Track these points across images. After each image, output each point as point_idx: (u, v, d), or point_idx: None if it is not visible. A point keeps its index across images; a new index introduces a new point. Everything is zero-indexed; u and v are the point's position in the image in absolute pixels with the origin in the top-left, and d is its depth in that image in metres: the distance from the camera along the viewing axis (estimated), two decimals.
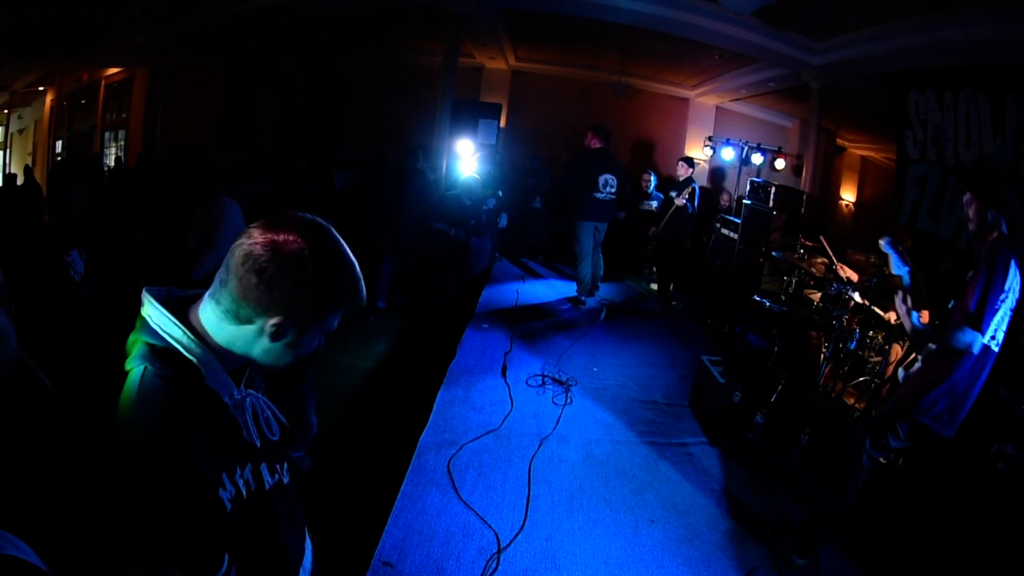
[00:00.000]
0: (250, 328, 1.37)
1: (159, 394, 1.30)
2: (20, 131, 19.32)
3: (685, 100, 14.43)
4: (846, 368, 5.72)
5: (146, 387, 1.30)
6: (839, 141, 14.29)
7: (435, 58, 11.61)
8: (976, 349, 3.30)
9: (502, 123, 12.33)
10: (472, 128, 10.35)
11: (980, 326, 3.22)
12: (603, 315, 7.84)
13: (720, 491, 4.15)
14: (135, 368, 1.33)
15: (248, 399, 1.49)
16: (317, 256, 1.33)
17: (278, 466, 1.61)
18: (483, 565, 3.10)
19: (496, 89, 14.49)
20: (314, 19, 11.45)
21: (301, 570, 1.68)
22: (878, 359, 5.80)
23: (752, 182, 9.43)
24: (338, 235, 1.41)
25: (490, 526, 3.41)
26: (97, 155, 16.65)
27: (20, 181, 14.86)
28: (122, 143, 16.99)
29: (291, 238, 1.32)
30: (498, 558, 3.16)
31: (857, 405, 5.59)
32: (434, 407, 4.62)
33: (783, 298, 6.87)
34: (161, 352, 1.35)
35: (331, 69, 15.62)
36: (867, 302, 5.49)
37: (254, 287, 1.31)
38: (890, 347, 5.72)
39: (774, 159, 12.44)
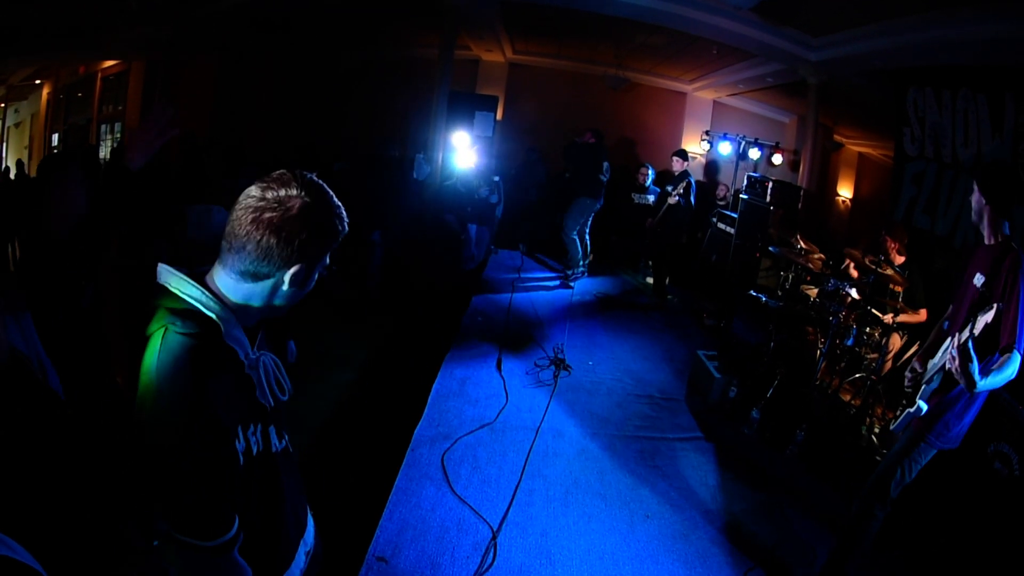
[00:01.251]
0: (269, 282, 1.48)
1: (182, 348, 1.35)
2: (16, 125, 19.27)
3: (682, 94, 14.38)
4: (843, 364, 5.71)
5: (169, 343, 1.36)
6: (836, 137, 14.25)
7: (432, 51, 11.55)
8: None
9: (498, 115, 12.31)
10: (468, 120, 10.34)
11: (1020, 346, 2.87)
12: (596, 305, 7.88)
13: (716, 486, 4.14)
14: (157, 330, 1.39)
15: (262, 359, 1.57)
16: (317, 205, 1.45)
17: (284, 432, 1.69)
18: (478, 560, 3.09)
19: (493, 82, 14.44)
20: (311, 12, 11.41)
21: (302, 543, 1.72)
22: (875, 355, 5.80)
23: (749, 177, 9.41)
24: (322, 182, 1.52)
25: (485, 520, 3.39)
26: (93, 147, 16.62)
27: (13, 175, 14.78)
28: (118, 135, 16.96)
29: (293, 194, 1.43)
30: (493, 553, 3.15)
31: (853, 401, 5.59)
32: (428, 400, 4.60)
33: (779, 293, 6.86)
34: (181, 312, 1.42)
35: (328, 62, 15.58)
36: (864, 303, 5.48)
37: (275, 247, 1.41)
38: (888, 340, 5.72)
39: (771, 154, 12.39)
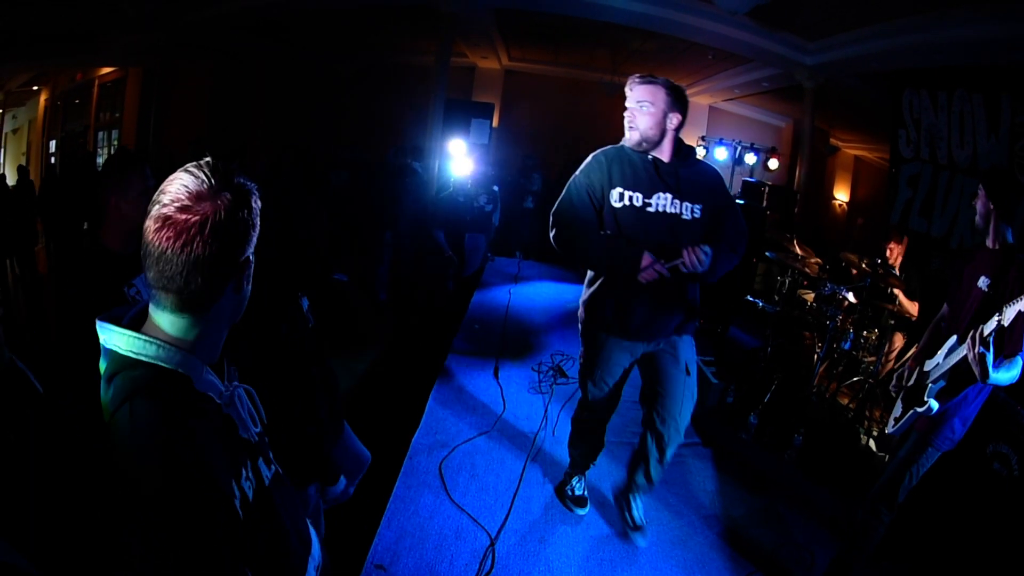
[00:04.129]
0: (214, 307, 1.30)
1: (157, 419, 1.20)
2: (14, 131, 19.23)
3: None
4: (840, 368, 5.73)
5: (140, 418, 1.20)
6: (832, 141, 14.31)
7: (427, 57, 11.59)
8: None
9: (494, 123, 12.34)
10: (464, 127, 10.36)
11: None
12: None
13: (714, 492, 4.14)
14: (121, 408, 1.22)
15: (236, 392, 1.42)
16: (203, 201, 1.22)
17: (271, 455, 1.56)
18: (476, 567, 3.08)
19: (488, 88, 14.49)
20: (307, 18, 11.44)
21: (310, 559, 1.65)
22: (872, 359, 5.81)
23: (745, 182, 9.45)
24: (199, 166, 1.28)
25: (483, 528, 3.39)
26: (91, 155, 16.59)
27: (13, 182, 14.73)
28: (115, 143, 16.92)
29: (177, 206, 1.21)
30: (492, 560, 3.14)
31: (851, 405, 5.59)
32: (426, 408, 4.59)
33: (776, 298, 6.87)
34: (142, 378, 1.25)
35: (323, 69, 15.62)
36: (865, 303, 5.50)
37: (190, 272, 1.21)
38: (891, 337, 5.73)
39: (767, 159, 12.41)
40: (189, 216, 1.20)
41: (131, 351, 1.26)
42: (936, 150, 7.27)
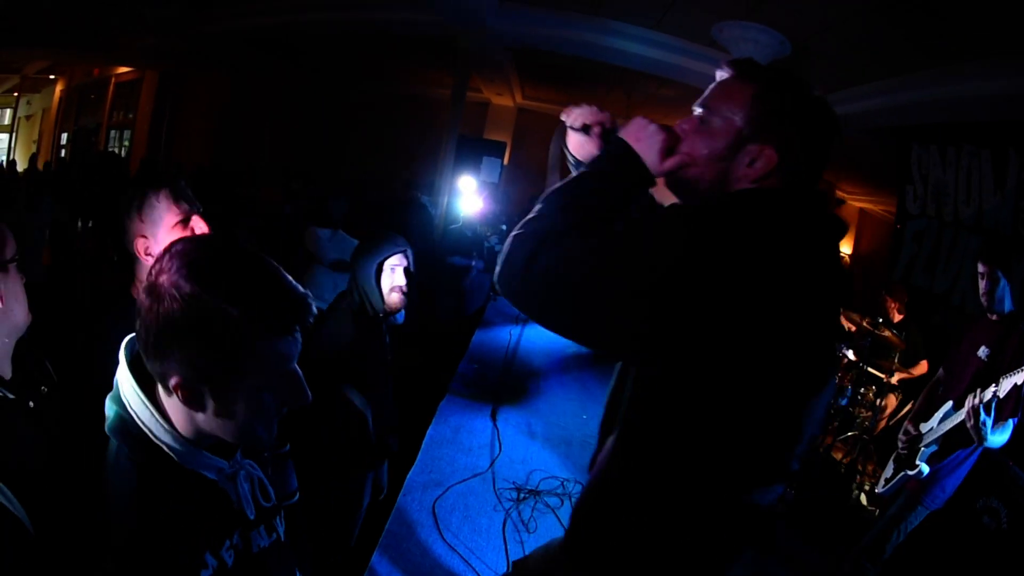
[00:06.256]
0: (175, 397, 1.18)
1: (129, 479, 1.16)
2: (28, 117, 19.30)
3: None
4: (836, 423, 5.74)
5: (117, 469, 1.19)
6: (839, 194, 14.35)
7: (440, 90, 11.66)
8: None
9: (505, 160, 12.45)
10: (475, 164, 10.37)
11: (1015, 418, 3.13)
12: (591, 357, 7.80)
13: None
14: (111, 440, 1.21)
15: (242, 472, 1.34)
16: (188, 278, 1.08)
17: (275, 522, 1.49)
18: None
19: (501, 125, 14.60)
20: (323, 42, 11.57)
21: None
22: (868, 414, 5.83)
23: None
24: (235, 245, 1.18)
25: (474, 570, 3.40)
26: (110, 154, 16.61)
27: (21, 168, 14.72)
28: (127, 144, 16.93)
29: (162, 267, 1.11)
30: None
31: (844, 460, 5.61)
32: (422, 446, 4.60)
33: None
34: (130, 433, 1.19)
35: (335, 94, 15.71)
36: (863, 364, 5.54)
37: (142, 342, 1.14)
38: (884, 399, 5.75)
39: None
40: (143, 296, 1.14)
41: (129, 404, 1.20)
42: (943, 207, 7.28)
